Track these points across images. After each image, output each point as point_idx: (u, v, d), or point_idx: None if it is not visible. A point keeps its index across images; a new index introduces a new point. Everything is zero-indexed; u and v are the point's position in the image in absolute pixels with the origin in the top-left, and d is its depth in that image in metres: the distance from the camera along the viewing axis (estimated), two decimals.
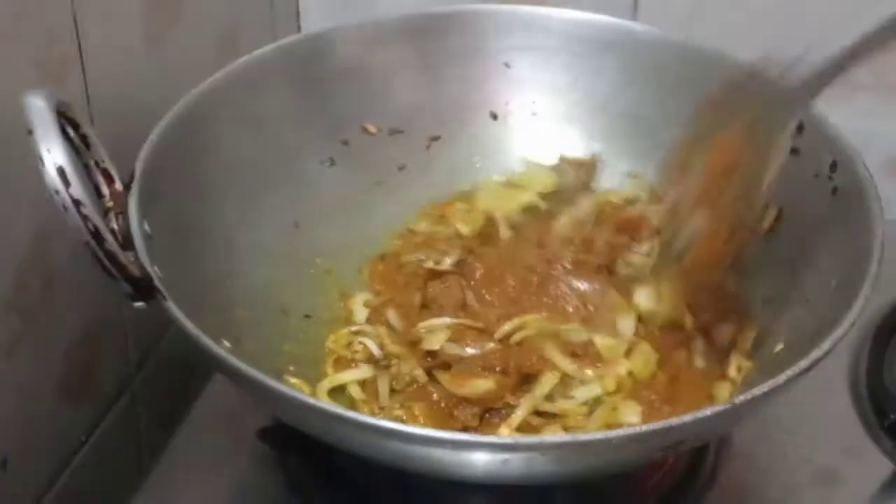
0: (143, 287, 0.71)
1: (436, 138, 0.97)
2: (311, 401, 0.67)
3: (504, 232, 0.92)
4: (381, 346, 0.84)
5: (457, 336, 0.82)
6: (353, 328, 0.86)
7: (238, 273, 0.84)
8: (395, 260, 0.91)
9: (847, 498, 0.83)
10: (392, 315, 0.86)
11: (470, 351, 0.81)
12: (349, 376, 0.82)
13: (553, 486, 0.80)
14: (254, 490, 0.83)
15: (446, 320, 0.83)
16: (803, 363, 0.68)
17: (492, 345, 0.81)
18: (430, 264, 0.89)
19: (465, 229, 0.93)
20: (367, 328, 0.86)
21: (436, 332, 0.82)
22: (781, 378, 0.67)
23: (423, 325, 0.83)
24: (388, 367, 0.82)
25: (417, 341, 0.82)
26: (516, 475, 0.68)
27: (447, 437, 0.66)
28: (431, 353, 0.82)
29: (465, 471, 0.68)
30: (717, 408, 0.66)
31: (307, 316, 0.87)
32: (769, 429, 0.86)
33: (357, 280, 0.91)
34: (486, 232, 0.92)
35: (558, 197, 0.94)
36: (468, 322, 0.83)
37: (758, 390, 0.67)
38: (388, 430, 0.66)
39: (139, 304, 0.72)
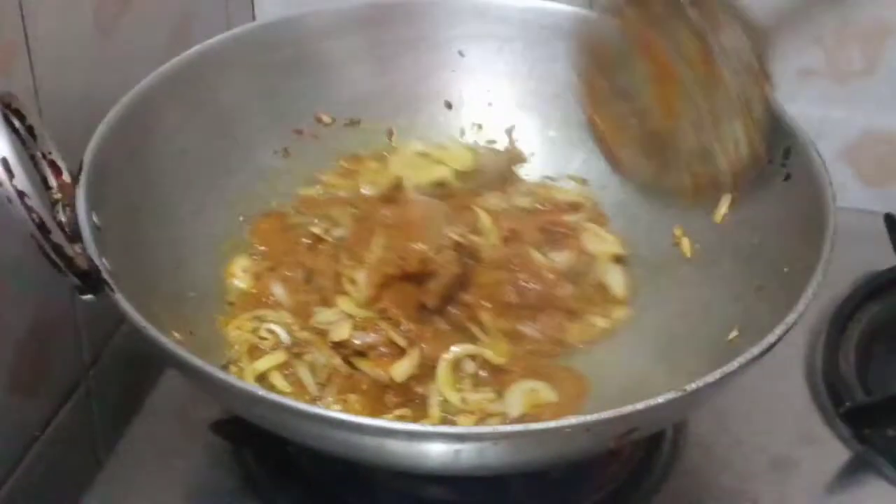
0: (92, 280, 0.71)
1: (391, 135, 0.96)
2: (262, 393, 0.66)
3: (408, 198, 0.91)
4: (289, 332, 0.82)
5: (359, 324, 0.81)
6: (257, 313, 0.84)
7: (189, 264, 0.84)
8: (281, 220, 0.90)
9: (803, 485, 0.83)
10: (278, 289, 0.85)
11: (376, 337, 0.80)
12: (267, 363, 0.80)
13: (509, 477, 0.79)
14: (208, 483, 0.82)
15: (343, 312, 0.82)
16: (755, 350, 0.68)
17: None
18: (316, 230, 0.88)
19: (369, 190, 0.92)
20: (270, 313, 0.83)
21: (339, 324, 0.81)
22: (734, 364, 0.67)
23: (321, 319, 0.82)
24: (300, 354, 0.81)
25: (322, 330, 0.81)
26: (470, 465, 0.67)
27: (398, 428, 0.66)
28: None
29: (418, 461, 0.68)
30: (669, 395, 0.65)
31: None
32: (725, 418, 0.86)
33: None
34: (390, 196, 0.91)
35: (472, 178, 0.93)
36: (362, 314, 0.81)
37: (710, 377, 0.67)
38: (340, 421, 0.66)
39: (88, 296, 0.72)
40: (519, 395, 0.79)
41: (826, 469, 0.84)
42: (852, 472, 0.83)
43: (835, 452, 0.84)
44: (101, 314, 0.93)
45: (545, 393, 0.79)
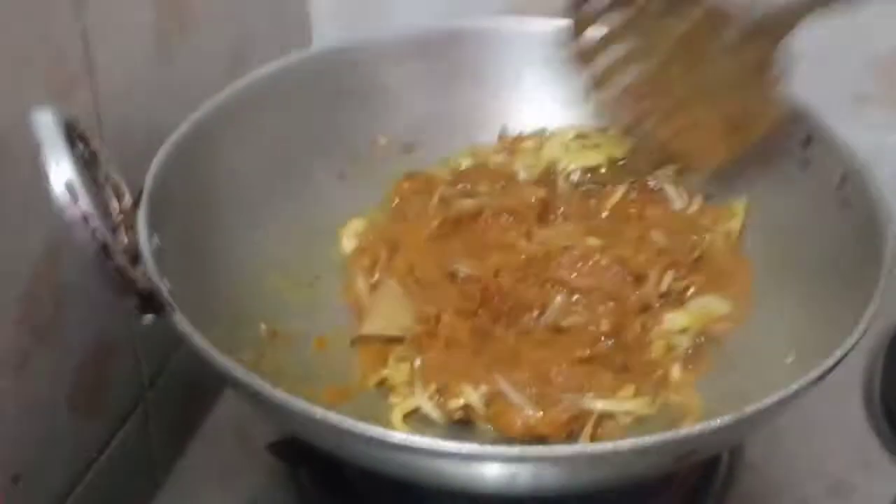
0: (153, 300, 0.71)
1: (446, 160, 0.97)
2: (320, 414, 0.66)
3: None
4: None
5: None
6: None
7: (251, 288, 0.84)
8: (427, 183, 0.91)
9: None
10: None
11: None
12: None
13: (563, 499, 0.79)
14: (266, 503, 0.83)
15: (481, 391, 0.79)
16: (813, 373, 0.68)
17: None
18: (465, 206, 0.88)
19: (523, 174, 0.93)
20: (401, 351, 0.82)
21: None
22: (792, 388, 0.67)
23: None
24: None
25: None
26: (527, 486, 0.68)
27: (454, 450, 0.66)
28: None
29: (474, 483, 0.68)
30: (727, 418, 0.65)
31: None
32: (781, 441, 0.86)
33: None
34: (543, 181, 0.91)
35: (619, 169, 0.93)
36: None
37: (768, 400, 0.66)
38: (395, 443, 0.66)
39: (148, 317, 0.73)
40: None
41: (883, 494, 0.83)
42: None
43: (893, 477, 0.84)
44: (159, 337, 0.94)
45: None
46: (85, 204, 0.68)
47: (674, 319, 0.83)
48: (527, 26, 0.96)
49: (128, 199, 0.75)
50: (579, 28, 0.85)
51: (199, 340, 0.69)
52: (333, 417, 0.66)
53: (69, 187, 0.67)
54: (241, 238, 0.86)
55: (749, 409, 0.66)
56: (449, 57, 0.95)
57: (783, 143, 0.86)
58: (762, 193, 0.89)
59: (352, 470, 0.82)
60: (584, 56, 0.85)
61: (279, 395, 0.67)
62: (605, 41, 0.85)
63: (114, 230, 0.74)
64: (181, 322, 0.70)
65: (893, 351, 0.91)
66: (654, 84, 0.84)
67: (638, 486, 0.81)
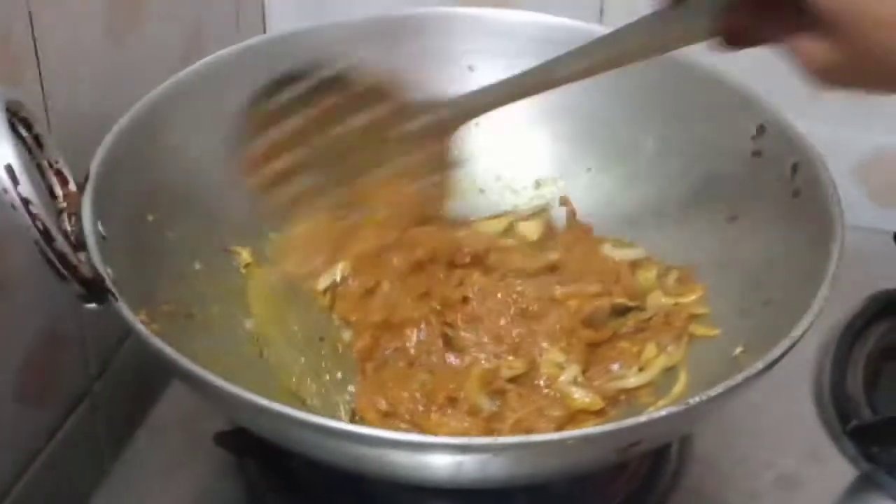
0: (95, 288, 0.71)
1: None
2: (264, 402, 0.66)
3: None
4: None
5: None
6: None
7: (194, 276, 0.83)
8: None
9: (809, 503, 0.82)
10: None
11: None
12: None
13: (512, 492, 0.79)
14: (212, 494, 0.83)
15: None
16: (759, 364, 0.68)
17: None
18: None
19: None
20: None
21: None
22: (738, 378, 0.67)
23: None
24: None
25: None
26: (473, 477, 0.67)
27: (401, 439, 0.66)
28: None
29: (420, 473, 0.68)
30: (673, 408, 0.65)
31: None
32: (731, 434, 0.86)
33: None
34: None
35: None
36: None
37: (713, 391, 0.66)
38: (339, 431, 0.65)
39: (91, 305, 0.72)
40: None
41: (833, 488, 0.83)
42: (859, 490, 0.83)
43: (842, 471, 0.84)
44: (108, 327, 0.94)
45: None
46: (26, 188, 0.67)
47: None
48: (480, 15, 0.95)
49: (72, 185, 0.75)
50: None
51: (141, 329, 0.69)
52: (278, 407, 0.66)
53: (9, 171, 0.67)
54: (188, 226, 0.85)
55: (693, 399, 0.66)
56: (402, 45, 0.94)
57: (736, 132, 0.86)
58: (713, 182, 0.88)
59: (298, 461, 0.81)
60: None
61: (223, 384, 0.66)
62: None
63: (57, 216, 0.73)
64: (123, 311, 0.70)
65: (842, 346, 0.91)
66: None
67: (587, 480, 0.81)
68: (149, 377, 0.92)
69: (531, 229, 0.93)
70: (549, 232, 0.93)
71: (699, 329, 0.84)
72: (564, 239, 0.93)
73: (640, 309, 0.87)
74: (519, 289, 0.87)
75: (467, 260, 0.88)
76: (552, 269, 0.90)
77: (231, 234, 0.88)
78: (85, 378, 0.93)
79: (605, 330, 0.85)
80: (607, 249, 0.92)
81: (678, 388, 0.80)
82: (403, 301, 0.85)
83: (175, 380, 0.89)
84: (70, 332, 0.90)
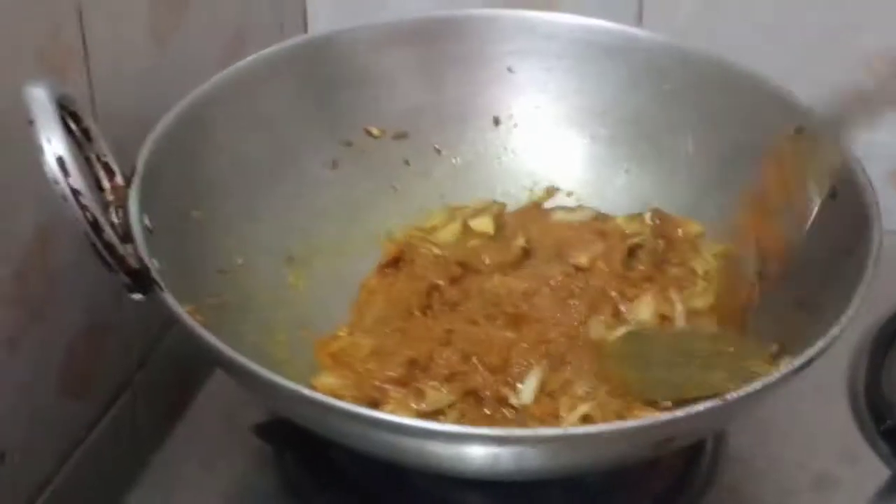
0: (141, 279, 0.72)
1: (438, 149, 0.97)
2: (307, 392, 0.67)
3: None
4: None
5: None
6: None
7: (236, 271, 0.85)
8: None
9: (844, 502, 0.82)
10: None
11: None
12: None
13: (548, 486, 0.80)
14: (250, 486, 0.83)
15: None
16: (796, 362, 0.69)
17: None
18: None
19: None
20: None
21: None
22: (774, 376, 0.68)
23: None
24: None
25: None
26: (509, 469, 0.68)
27: (441, 429, 0.67)
28: None
29: (457, 464, 0.69)
30: (709, 404, 0.66)
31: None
32: (766, 434, 0.86)
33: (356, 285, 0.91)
34: None
35: None
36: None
37: (750, 388, 0.67)
38: (381, 421, 0.66)
39: (137, 296, 0.73)
40: None
41: (867, 487, 0.84)
42: (892, 491, 0.83)
43: (875, 471, 0.84)
44: (149, 320, 0.95)
45: None
46: (76, 180, 0.68)
47: None
48: (519, 17, 0.96)
49: (119, 179, 0.76)
50: None
51: (187, 319, 0.70)
52: (319, 396, 0.67)
53: (60, 163, 0.68)
54: (231, 222, 0.86)
55: (730, 396, 0.66)
56: (442, 46, 0.95)
57: (774, 134, 0.87)
58: (751, 184, 0.89)
59: (337, 453, 0.82)
60: None
61: (265, 373, 0.67)
62: None
63: (104, 208, 0.74)
64: (169, 301, 0.71)
65: (877, 347, 0.92)
66: None
67: (621, 476, 0.82)
68: (189, 370, 0.93)
69: (485, 224, 0.94)
70: (502, 222, 0.94)
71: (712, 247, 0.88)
72: (518, 223, 0.94)
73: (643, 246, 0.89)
74: (541, 274, 0.88)
75: (457, 272, 0.89)
76: (526, 254, 0.91)
77: (271, 230, 0.89)
78: (126, 370, 0.94)
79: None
80: (560, 216, 0.94)
81: None
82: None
83: (214, 372, 0.91)
84: (112, 325, 0.91)
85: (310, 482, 0.82)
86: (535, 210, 0.96)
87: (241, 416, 0.85)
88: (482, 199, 0.96)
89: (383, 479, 0.82)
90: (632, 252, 0.89)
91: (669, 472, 0.83)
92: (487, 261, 0.89)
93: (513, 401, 0.79)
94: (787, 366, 0.69)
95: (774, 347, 0.78)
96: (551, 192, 0.97)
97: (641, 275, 0.88)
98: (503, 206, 0.95)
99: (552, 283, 0.86)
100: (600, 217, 0.94)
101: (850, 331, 0.79)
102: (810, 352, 0.69)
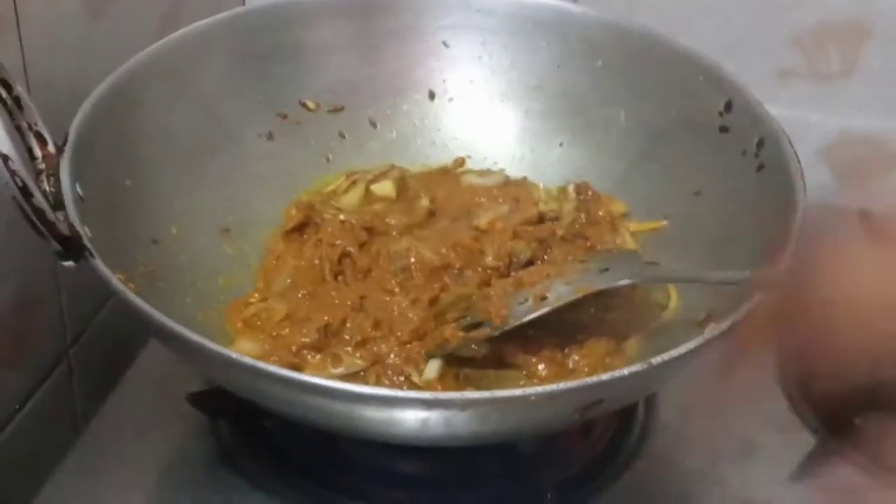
0: (73, 246, 0.72)
1: (374, 122, 0.98)
2: (236, 356, 0.67)
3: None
4: None
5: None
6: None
7: (170, 241, 0.85)
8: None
9: (769, 469, 0.84)
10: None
11: None
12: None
13: (480, 453, 0.81)
14: (185, 455, 0.83)
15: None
16: (722, 325, 0.70)
17: None
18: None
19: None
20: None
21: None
22: (700, 339, 0.69)
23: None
24: None
25: None
26: (438, 433, 0.69)
27: (371, 393, 0.68)
28: None
29: (387, 429, 0.69)
30: (635, 367, 0.67)
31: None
32: (695, 402, 0.87)
33: None
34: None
35: None
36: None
37: (675, 351, 0.68)
38: (312, 385, 0.67)
39: (68, 263, 0.73)
40: None
41: (791, 454, 0.85)
42: (817, 455, 0.85)
43: (800, 439, 0.86)
44: (86, 292, 0.95)
45: None
46: (4, 144, 0.68)
47: None
48: None
49: (51, 147, 0.76)
50: None
51: (118, 285, 0.70)
52: (250, 361, 0.67)
53: None
54: (165, 192, 0.86)
55: (656, 359, 0.68)
56: (378, 20, 0.96)
57: (704, 109, 0.88)
58: (682, 159, 0.90)
59: (271, 422, 0.83)
60: None
61: (196, 338, 0.68)
62: None
63: (36, 176, 0.74)
64: (100, 267, 0.71)
65: None
66: None
67: (553, 445, 0.83)
68: (124, 342, 0.93)
69: (387, 188, 0.95)
70: (405, 185, 0.95)
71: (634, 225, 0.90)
72: (422, 186, 0.95)
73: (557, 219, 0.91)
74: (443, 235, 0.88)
75: (364, 237, 0.89)
76: (430, 214, 0.92)
77: (206, 200, 0.89)
78: (61, 342, 0.94)
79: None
80: (472, 179, 0.95)
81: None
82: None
83: (149, 344, 0.90)
84: (46, 298, 0.91)
85: (244, 451, 0.83)
86: (441, 173, 0.97)
87: (175, 386, 0.85)
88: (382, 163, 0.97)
89: (318, 448, 0.82)
90: (544, 221, 0.91)
91: (600, 440, 0.84)
92: (393, 222, 0.90)
93: (415, 379, 0.80)
94: (712, 330, 0.70)
95: (702, 316, 0.79)
96: (461, 162, 0.98)
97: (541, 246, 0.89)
98: (404, 170, 0.96)
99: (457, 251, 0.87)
100: (517, 183, 0.95)
101: None
102: (735, 316, 0.70)
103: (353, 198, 0.94)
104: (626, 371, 0.67)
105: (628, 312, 0.85)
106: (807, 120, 1.08)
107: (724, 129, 0.88)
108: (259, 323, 0.84)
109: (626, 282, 0.81)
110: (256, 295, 0.86)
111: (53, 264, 0.90)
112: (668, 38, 0.92)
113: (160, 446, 0.84)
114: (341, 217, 0.90)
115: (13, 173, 0.68)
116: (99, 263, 0.71)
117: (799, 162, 0.81)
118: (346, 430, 0.72)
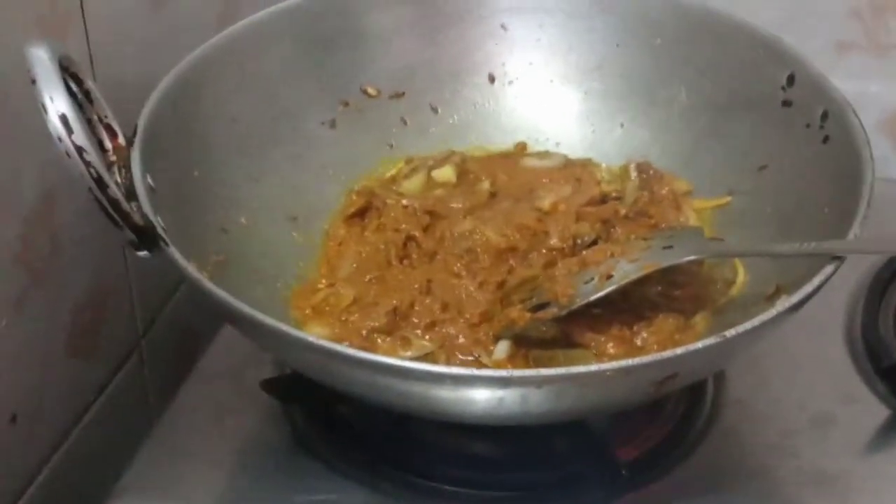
0: (147, 236, 0.73)
1: (434, 107, 0.98)
2: (314, 339, 0.68)
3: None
4: None
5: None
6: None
7: (239, 230, 0.86)
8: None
9: (843, 441, 0.83)
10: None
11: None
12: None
13: (551, 433, 0.81)
14: (259, 440, 0.84)
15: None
16: (794, 298, 0.70)
17: None
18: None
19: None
20: None
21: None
22: (772, 312, 0.69)
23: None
24: None
25: None
26: (513, 412, 0.69)
27: (447, 372, 0.68)
28: None
29: (463, 408, 0.70)
30: (709, 340, 0.67)
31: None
32: (765, 377, 0.87)
33: None
34: None
35: None
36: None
37: (749, 324, 0.68)
38: (385, 365, 0.67)
39: (143, 253, 0.74)
40: None
41: (866, 426, 0.85)
42: (891, 428, 0.84)
43: (874, 410, 0.85)
44: (155, 283, 0.96)
45: None
46: (79, 137, 0.69)
47: None
48: None
49: (121, 139, 0.77)
50: None
51: (193, 272, 0.71)
52: (328, 343, 0.68)
53: (64, 120, 0.69)
54: (232, 182, 0.87)
55: (730, 332, 0.68)
56: (436, 4, 0.97)
57: (766, 83, 0.88)
58: (745, 134, 0.90)
59: (345, 407, 0.84)
60: None
61: (273, 323, 0.68)
62: None
63: (108, 168, 0.75)
64: (175, 256, 0.72)
65: (873, 291, 0.93)
66: None
67: (624, 423, 0.83)
68: (195, 330, 0.94)
69: (447, 174, 0.94)
70: (465, 169, 0.95)
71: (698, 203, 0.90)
72: (483, 170, 0.95)
73: (620, 198, 0.91)
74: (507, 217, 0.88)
75: (427, 221, 0.89)
76: (492, 196, 0.92)
77: (272, 189, 0.90)
78: (133, 333, 0.95)
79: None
80: (532, 161, 0.95)
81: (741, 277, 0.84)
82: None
83: (220, 332, 0.91)
84: (118, 289, 0.93)
85: (317, 435, 0.83)
86: (501, 157, 0.97)
87: (248, 373, 0.86)
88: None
89: (390, 430, 0.83)
90: (606, 201, 0.91)
91: (672, 417, 0.84)
92: (455, 205, 0.90)
93: (484, 360, 0.80)
94: (784, 302, 0.70)
95: (771, 290, 0.79)
96: (522, 147, 0.98)
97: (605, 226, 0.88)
98: (464, 154, 0.96)
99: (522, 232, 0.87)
100: (579, 164, 0.95)
101: (845, 277, 0.81)
102: (807, 288, 0.70)
103: (414, 184, 0.94)
104: (700, 345, 0.67)
105: (695, 289, 0.85)
106: (866, 92, 1.07)
107: (786, 103, 0.87)
108: (327, 308, 0.84)
109: (691, 258, 0.81)
110: (323, 281, 0.87)
111: (123, 257, 0.92)
112: (727, 12, 0.92)
113: (235, 433, 0.85)
114: (404, 202, 0.90)
115: (88, 165, 0.70)
116: (174, 252, 0.72)
117: (865, 132, 0.81)
118: (422, 411, 0.73)
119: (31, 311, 0.82)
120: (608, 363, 0.66)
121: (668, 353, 0.67)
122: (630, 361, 0.66)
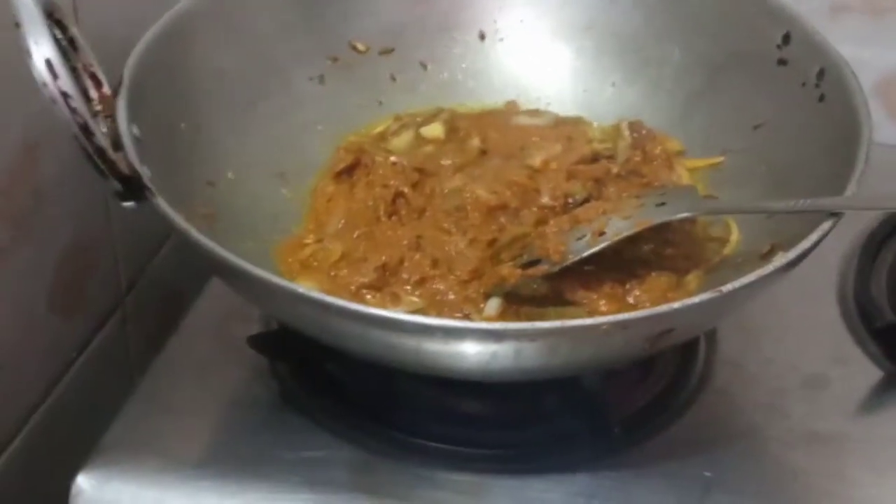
0: (133, 186, 0.72)
1: (424, 64, 0.97)
2: (304, 291, 0.67)
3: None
4: None
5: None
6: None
7: (222, 182, 0.84)
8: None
9: (834, 402, 0.83)
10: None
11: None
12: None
13: (543, 391, 0.80)
14: (245, 397, 0.83)
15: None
16: (790, 254, 0.69)
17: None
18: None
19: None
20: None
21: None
22: (769, 267, 0.68)
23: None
24: None
25: None
26: (506, 367, 0.68)
27: (439, 324, 0.67)
28: None
29: (454, 362, 0.69)
30: (706, 295, 0.66)
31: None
32: (757, 338, 0.86)
33: None
34: None
35: None
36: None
37: (746, 279, 0.67)
38: (378, 318, 0.66)
39: (129, 203, 0.73)
40: None
41: (857, 387, 0.84)
42: (883, 390, 0.84)
43: (866, 371, 0.85)
44: (139, 240, 0.95)
45: None
46: (65, 82, 0.68)
47: None
48: None
49: (106, 89, 0.75)
50: None
51: (181, 222, 0.70)
52: (318, 295, 0.67)
53: (49, 65, 0.68)
54: (219, 135, 0.86)
55: (726, 287, 0.67)
56: None
57: (761, 41, 0.87)
58: (739, 93, 0.89)
59: (332, 363, 0.82)
60: None
61: (262, 273, 0.67)
62: None
63: (93, 117, 0.73)
64: (162, 206, 0.70)
65: (866, 254, 0.92)
66: None
67: (616, 381, 0.82)
68: (179, 289, 0.93)
69: (436, 130, 0.93)
70: (454, 127, 0.94)
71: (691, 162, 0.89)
72: (473, 126, 0.94)
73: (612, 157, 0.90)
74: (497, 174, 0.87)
75: (416, 178, 0.88)
76: (482, 153, 0.91)
77: (259, 144, 0.88)
78: (116, 290, 0.94)
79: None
80: (523, 119, 0.94)
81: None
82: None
83: (204, 291, 0.90)
84: (101, 244, 0.91)
85: (304, 391, 0.82)
86: (490, 114, 0.96)
87: (234, 330, 0.85)
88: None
89: (378, 388, 0.82)
90: (598, 160, 0.89)
91: (664, 376, 0.83)
92: (445, 162, 0.89)
93: (475, 317, 0.79)
94: (781, 258, 0.69)
95: (766, 248, 0.78)
96: (513, 105, 0.97)
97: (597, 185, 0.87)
98: (453, 111, 0.95)
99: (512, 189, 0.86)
100: (570, 122, 0.94)
101: (839, 239, 0.80)
102: (804, 244, 0.69)
103: (403, 141, 0.93)
104: (696, 299, 0.66)
105: (688, 248, 0.84)
106: (860, 56, 1.05)
107: (782, 62, 0.86)
108: (315, 264, 0.83)
109: (684, 214, 0.81)
110: (311, 236, 0.86)
111: (107, 212, 0.90)
112: None
113: (221, 390, 0.83)
114: (392, 159, 0.89)
115: (73, 111, 0.68)
116: (161, 202, 0.70)
117: (862, 90, 0.80)
118: (413, 365, 0.72)
119: (13, 264, 0.81)
120: (604, 317, 0.65)
121: (664, 308, 0.66)
122: (626, 315, 0.65)
